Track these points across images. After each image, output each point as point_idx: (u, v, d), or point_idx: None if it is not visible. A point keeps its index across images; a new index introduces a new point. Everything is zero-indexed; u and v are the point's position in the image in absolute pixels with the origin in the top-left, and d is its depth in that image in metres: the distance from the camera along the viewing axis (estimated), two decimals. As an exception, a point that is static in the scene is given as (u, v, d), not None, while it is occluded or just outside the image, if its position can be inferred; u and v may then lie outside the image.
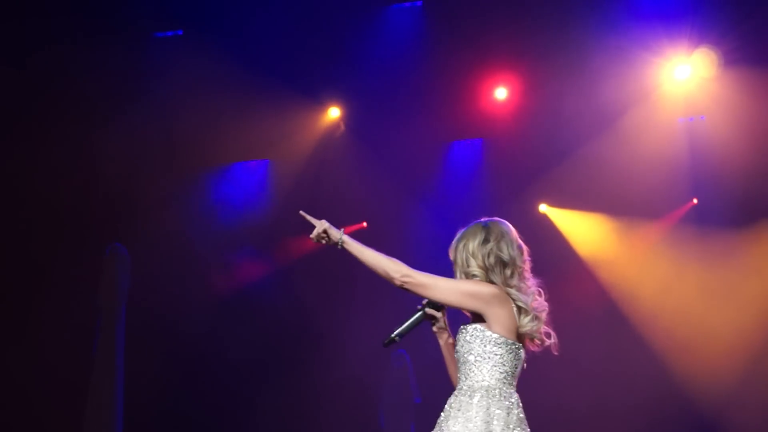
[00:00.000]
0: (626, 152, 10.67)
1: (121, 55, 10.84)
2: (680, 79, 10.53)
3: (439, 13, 10.96)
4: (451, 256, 4.68)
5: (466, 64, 10.88)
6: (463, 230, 4.69)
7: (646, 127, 10.71)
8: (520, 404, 4.51)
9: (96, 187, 11.01)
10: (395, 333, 4.74)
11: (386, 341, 4.74)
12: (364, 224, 11.91)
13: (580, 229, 11.39)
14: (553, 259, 11.05)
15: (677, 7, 10.20)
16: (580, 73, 10.36)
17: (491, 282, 4.53)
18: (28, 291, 10.93)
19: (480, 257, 4.56)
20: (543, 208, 11.48)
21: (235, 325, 11.72)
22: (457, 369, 4.59)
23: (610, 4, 10.33)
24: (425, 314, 4.73)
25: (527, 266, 4.63)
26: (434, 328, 4.80)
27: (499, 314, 4.45)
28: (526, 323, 4.51)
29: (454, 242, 4.69)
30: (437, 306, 4.70)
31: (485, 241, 4.58)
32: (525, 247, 4.67)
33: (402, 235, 11.52)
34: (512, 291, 4.51)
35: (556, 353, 4.67)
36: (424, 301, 4.71)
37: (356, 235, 12.69)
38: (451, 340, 4.77)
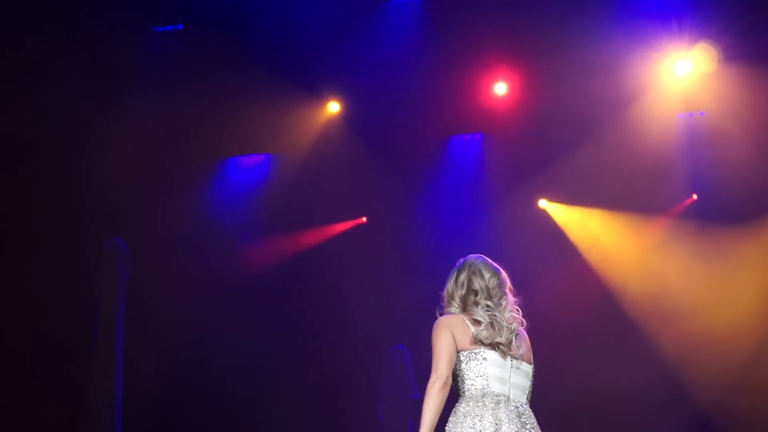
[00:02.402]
0: (626, 148, 10.68)
1: (121, 49, 10.82)
2: (680, 75, 10.54)
3: (439, 8, 10.96)
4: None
5: (466, 59, 10.88)
6: None
7: (646, 122, 10.72)
8: (497, 413, 4.92)
9: (95, 181, 10.98)
10: None
11: None
12: (364, 219, 11.91)
13: (580, 224, 11.39)
14: (552, 254, 11.07)
15: (677, 2, 10.20)
16: (580, 69, 10.36)
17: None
18: (27, 285, 10.90)
19: (456, 295, 5.17)
20: (542, 203, 11.48)
21: (235, 320, 11.71)
22: None
23: (611, 0, 10.33)
24: None
25: (506, 289, 5.17)
26: None
27: (458, 339, 5.02)
28: (480, 331, 5.00)
29: None
30: None
31: (457, 278, 5.20)
32: (503, 273, 5.22)
33: (401, 229, 11.53)
34: (474, 308, 5.08)
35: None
36: None
37: (356, 230, 12.73)
38: None
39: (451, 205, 11.51)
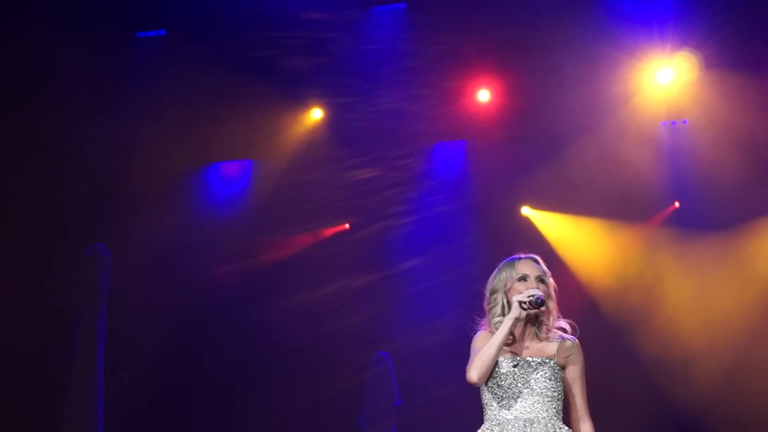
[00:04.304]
0: (608, 155, 10.69)
1: (103, 54, 10.79)
2: (662, 83, 10.56)
3: (423, 15, 10.96)
4: None
5: (449, 66, 10.89)
6: None
7: (628, 130, 10.74)
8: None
9: (76, 186, 10.95)
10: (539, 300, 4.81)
11: (535, 300, 4.80)
12: (347, 226, 11.90)
13: (563, 231, 11.41)
14: (535, 261, 11.06)
15: (659, 9, 10.23)
16: (562, 76, 10.37)
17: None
18: (7, 290, 10.85)
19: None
20: (525, 210, 11.49)
21: (217, 326, 11.69)
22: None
23: (592, 8, 10.35)
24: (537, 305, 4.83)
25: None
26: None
27: None
28: None
29: None
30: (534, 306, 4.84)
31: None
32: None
33: (384, 236, 11.52)
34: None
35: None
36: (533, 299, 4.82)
37: (338, 237, 12.71)
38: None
39: (434, 212, 11.51)
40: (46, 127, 10.71)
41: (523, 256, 5.04)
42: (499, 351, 4.75)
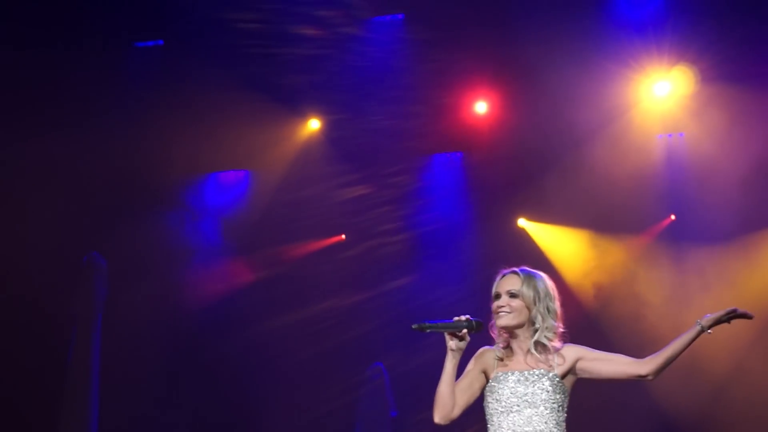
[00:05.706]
0: (605, 168, 10.71)
1: (101, 64, 10.80)
2: (659, 96, 10.59)
3: (421, 26, 10.98)
4: None
5: (447, 78, 10.91)
6: None
7: (625, 143, 10.75)
8: None
9: (73, 195, 10.94)
10: (428, 324, 4.60)
11: (416, 326, 4.61)
12: (343, 237, 11.89)
13: (559, 243, 11.40)
14: (531, 273, 11.05)
15: (656, 23, 10.26)
16: (559, 89, 10.39)
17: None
18: (3, 298, 10.83)
19: None
20: (522, 222, 11.49)
21: (212, 336, 11.68)
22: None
23: (590, 21, 10.37)
24: (469, 326, 4.67)
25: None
26: (460, 344, 4.71)
27: None
28: None
29: None
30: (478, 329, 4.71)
31: None
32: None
33: (380, 248, 11.51)
34: None
35: None
36: (473, 319, 4.70)
37: (334, 248, 12.68)
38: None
39: (431, 224, 11.51)
40: (44, 135, 10.71)
41: (506, 271, 4.92)
42: (450, 386, 4.64)
